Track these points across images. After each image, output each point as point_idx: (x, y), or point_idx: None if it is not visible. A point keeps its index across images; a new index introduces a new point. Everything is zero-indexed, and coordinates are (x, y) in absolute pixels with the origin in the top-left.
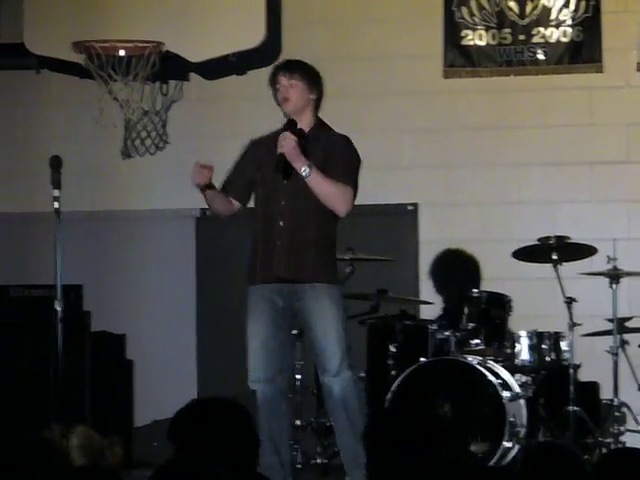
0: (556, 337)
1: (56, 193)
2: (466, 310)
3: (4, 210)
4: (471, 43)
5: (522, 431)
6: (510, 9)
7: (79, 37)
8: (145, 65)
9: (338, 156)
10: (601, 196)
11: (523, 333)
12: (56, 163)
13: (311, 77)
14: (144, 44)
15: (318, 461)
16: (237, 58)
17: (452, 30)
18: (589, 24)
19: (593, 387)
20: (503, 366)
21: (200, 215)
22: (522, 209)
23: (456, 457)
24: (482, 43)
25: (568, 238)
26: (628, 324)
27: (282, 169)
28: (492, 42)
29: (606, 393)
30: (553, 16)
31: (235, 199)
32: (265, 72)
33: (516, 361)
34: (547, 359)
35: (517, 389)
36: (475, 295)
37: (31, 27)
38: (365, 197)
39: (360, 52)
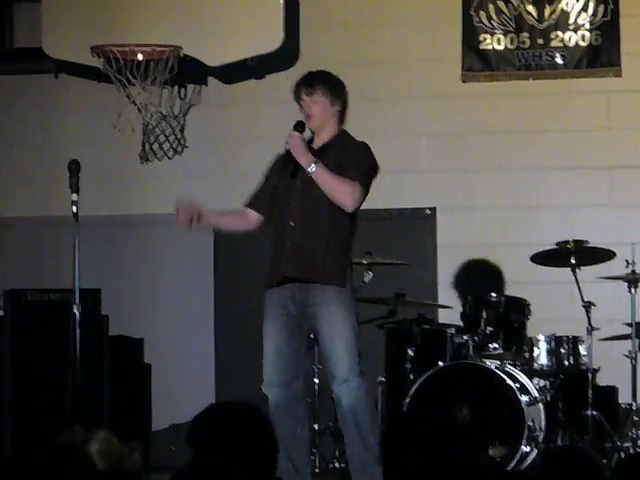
0: (574, 341)
1: (74, 197)
2: (484, 314)
3: (22, 214)
4: (489, 47)
5: (540, 435)
6: (528, 13)
7: (97, 41)
8: (163, 69)
9: (350, 156)
10: (619, 200)
11: (541, 337)
12: (74, 167)
13: (333, 89)
14: (162, 48)
15: (336, 465)
16: (255, 62)
17: (470, 34)
18: (607, 28)
19: (611, 391)
20: (521, 370)
21: None
22: (540, 213)
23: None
24: (500, 47)
25: (586, 242)
26: None
27: (290, 165)
28: (510, 46)
29: (624, 397)
30: (572, 20)
31: (255, 211)
32: (283, 76)
33: (534, 365)
34: (565, 363)
35: (535, 393)
36: (494, 299)
37: (49, 31)
38: (383, 201)
39: (378, 56)
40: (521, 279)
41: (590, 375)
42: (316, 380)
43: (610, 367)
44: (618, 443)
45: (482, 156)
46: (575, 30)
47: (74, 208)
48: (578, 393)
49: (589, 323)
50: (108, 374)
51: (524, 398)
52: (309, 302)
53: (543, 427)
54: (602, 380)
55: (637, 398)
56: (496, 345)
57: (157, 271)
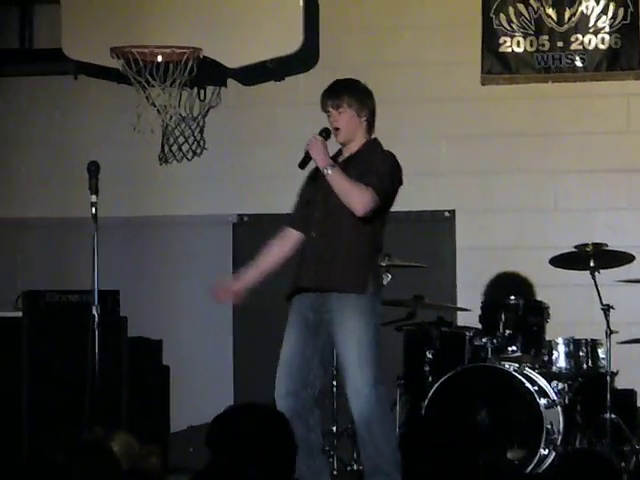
0: (593, 344)
1: (93, 199)
2: (503, 317)
3: (41, 215)
4: (509, 50)
5: (558, 438)
6: (548, 16)
7: (117, 43)
8: (183, 71)
9: (372, 166)
10: (638, 203)
11: (560, 340)
12: (93, 169)
13: (359, 99)
14: (182, 50)
15: (354, 467)
16: (275, 64)
17: (490, 37)
18: (627, 31)
19: (630, 394)
20: (540, 373)
21: (237, 221)
22: (559, 216)
23: (493, 464)
24: (520, 50)
25: (605, 245)
26: None
27: (303, 164)
28: (530, 49)
29: None
30: (591, 23)
31: (296, 229)
32: (303, 78)
33: (553, 368)
34: (584, 366)
35: (554, 396)
36: (512, 302)
37: (69, 33)
38: (402, 204)
39: (397, 58)
40: (540, 282)
41: (608, 378)
42: (334, 382)
43: (629, 370)
44: (636, 446)
45: (501, 159)
46: (595, 33)
47: (93, 209)
48: (596, 396)
49: (608, 326)
50: (127, 376)
51: (542, 401)
52: (326, 308)
53: (561, 430)
54: (620, 383)
55: None
56: (515, 348)
57: (176, 273)
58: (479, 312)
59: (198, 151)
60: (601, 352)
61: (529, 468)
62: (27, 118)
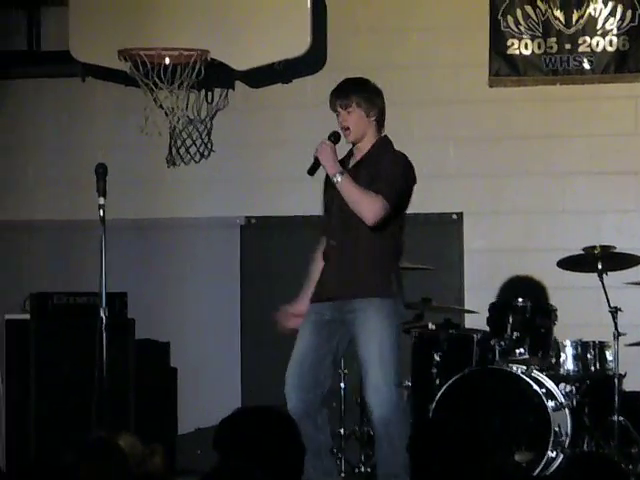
0: (601, 347)
1: (101, 201)
2: (511, 319)
3: (49, 217)
4: (517, 52)
5: (566, 440)
6: (556, 18)
7: (124, 45)
8: (190, 73)
9: (382, 170)
10: None
11: (568, 342)
12: (101, 171)
13: (368, 99)
14: (189, 52)
15: (362, 470)
16: (283, 66)
17: (498, 39)
18: (635, 33)
19: (638, 397)
20: (547, 375)
21: (245, 223)
22: (567, 218)
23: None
24: (528, 52)
25: (613, 248)
26: None
27: (312, 170)
28: (538, 51)
29: None
30: (599, 25)
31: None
32: (310, 80)
33: (561, 370)
34: (592, 369)
35: (561, 399)
36: (520, 304)
37: (77, 35)
38: (410, 206)
39: (405, 60)
40: (548, 284)
41: (616, 381)
42: (342, 384)
43: (637, 373)
44: None
45: (509, 161)
46: (603, 35)
47: (101, 212)
48: (604, 399)
49: (616, 328)
50: (134, 378)
51: (550, 403)
52: (349, 308)
53: (569, 432)
54: (628, 386)
55: None
56: (522, 350)
57: (184, 275)
58: (487, 314)
59: (205, 153)
60: (609, 354)
61: (537, 470)
62: (34, 120)
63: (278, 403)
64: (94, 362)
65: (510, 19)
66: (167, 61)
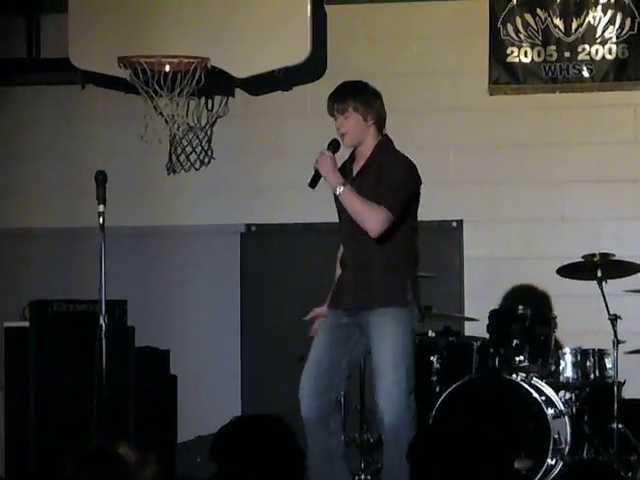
0: (600, 354)
1: (101, 208)
2: (511, 327)
3: (48, 225)
4: (516, 60)
5: (566, 448)
6: (556, 26)
7: (124, 52)
8: (190, 80)
9: (385, 176)
10: None
11: (567, 350)
12: (101, 178)
13: (365, 102)
14: (189, 59)
15: (362, 477)
16: (282, 74)
17: (497, 47)
18: (634, 41)
19: (637, 404)
20: (547, 383)
21: (245, 231)
22: (566, 226)
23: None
24: (527, 60)
25: (613, 255)
26: None
27: (313, 183)
28: (537, 59)
29: None
30: (598, 33)
31: None
32: (311, 88)
33: (560, 378)
34: (591, 376)
35: (561, 406)
36: (520, 312)
37: (76, 42)
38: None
39: (405, 68)
40: (547, 292)
41: (616, 388)
42: (341, 392)
43: (636, 380)
44: None
45: (508, 169)
46: (602, 43)
47: (101, 219)
48: (604, 406)
49: (615, 336)
50: (134, 385)
51: (550, 411)
52: (365, 313)
53: (569, 440)
54: (628, 393)
55: None
56: (522, 358)
57: (184, 282)
58: (486, 322)
59: (206, 161)
60: (608, 362)
61: (536, 478)
62: (34, 127)
63: (278, 411)
64: (94, 370)
65: (510, 27)
66: (167, 68)
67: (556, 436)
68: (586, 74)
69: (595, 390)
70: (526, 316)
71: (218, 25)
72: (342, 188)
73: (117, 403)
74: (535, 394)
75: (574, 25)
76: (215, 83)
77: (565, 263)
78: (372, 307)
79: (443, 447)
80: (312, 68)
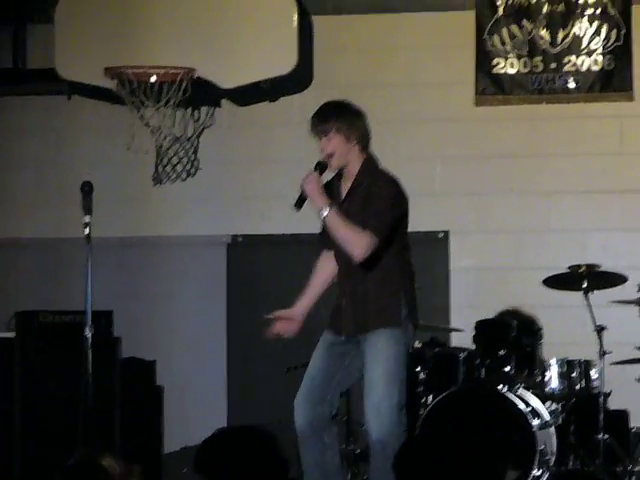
0: (586, 365)
1: (87, 219)
2: (497, 338)
3: (34, 235)
4: (503, 71)
5: (552, 459)
6: (542, 38)
7: (111, 63)
8: (177, 91)
9: (371, 199)
10: (632, 224)
11: (553, 361)
12: (87, 189)
13: (348, 123)
14: (176, 70)
15: None
16: (269, 85)
17: (484, 58)
18: (620, 52)
19: (623, 415)
20: (533, 393)
21: (231, 241)
22: (553, 237)
23: None
24: (513, 71)
25: (599, 266)
26: None
27: (299, 204)
28: (524, 70)
29: (636, 421)
30: (584, 44)
31: (329, 248)
32: (297, 99)
33: (546, 389)
34: (577, 387)
35: (547, 417)
36: (506, 323)
37: (63, 53)
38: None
39: (392, 79)
40: (533, 303)
41: (602, 399)
42: None
43: (622, 391)
44: (629, 467)
45: (495, 180)
46: (588, 54)
47: (87, 230)
48: (590, 417)
49: (601, 347)
50: (120, 396)
51: (536, 422)
52: (363, 334)
53: (555, 451)
54: (613, 404)
55: None
56: (508, 368)
57: (170, 293)
58: (473, 333)
59: (192, 171)
60: (594, 373)
61: None
62: (21, 138)
63: (264, 421)
64: (80, 380)
65: (496, 38)
66: (153, 79)
67: (542, 447)
68: (572, 85)
69: (581, 401)
70: (512, 327)
71: (204, 36)
72: (327, 211)
73: (103, 413)
74: (521, 405)
75: (560, 36)
76: (201, 94)
77: (551, 274)
78: (368, 329)
79: (429, 457)
80: (299, 79)
